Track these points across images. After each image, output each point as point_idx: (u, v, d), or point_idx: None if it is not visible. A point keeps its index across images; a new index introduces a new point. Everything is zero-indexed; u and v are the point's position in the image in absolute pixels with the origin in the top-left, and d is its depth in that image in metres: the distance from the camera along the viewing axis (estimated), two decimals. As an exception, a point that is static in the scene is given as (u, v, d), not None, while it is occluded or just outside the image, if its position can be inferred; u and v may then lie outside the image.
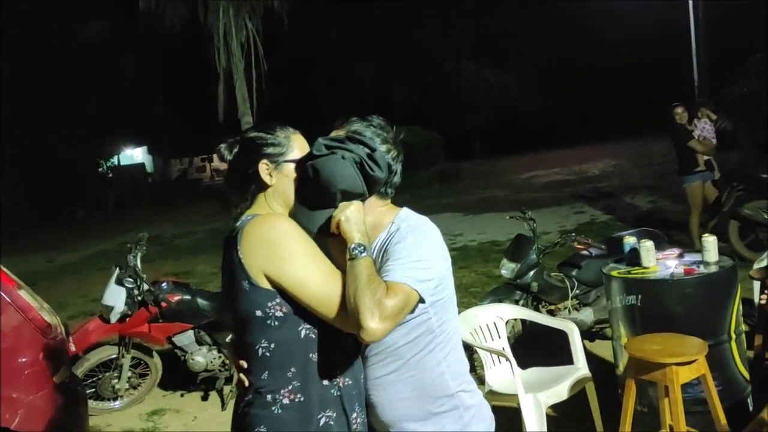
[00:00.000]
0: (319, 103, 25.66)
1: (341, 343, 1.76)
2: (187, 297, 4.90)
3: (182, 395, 5.18)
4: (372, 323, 1.56)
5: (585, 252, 5.03)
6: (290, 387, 1.74)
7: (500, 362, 3.80)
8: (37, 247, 15.51)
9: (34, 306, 3.27)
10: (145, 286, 4.82)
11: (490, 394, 3.65)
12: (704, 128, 8.09)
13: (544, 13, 28.30)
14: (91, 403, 4.91)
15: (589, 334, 5.03)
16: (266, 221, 1.75)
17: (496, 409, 3.61)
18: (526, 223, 5.08)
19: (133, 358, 5.06)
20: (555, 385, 3.54)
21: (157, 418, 4.83)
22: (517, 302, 4.73)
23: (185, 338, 4.92)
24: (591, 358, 4.72)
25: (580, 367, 3.68)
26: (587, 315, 4.98)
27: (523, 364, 4.01)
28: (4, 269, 3.28)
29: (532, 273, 4.81)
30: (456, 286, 6.20)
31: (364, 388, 1.83)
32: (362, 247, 1.66)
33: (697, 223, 7.35)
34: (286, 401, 1.74)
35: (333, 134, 1.87)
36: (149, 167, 35.98)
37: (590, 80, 28.26)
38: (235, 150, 1.86)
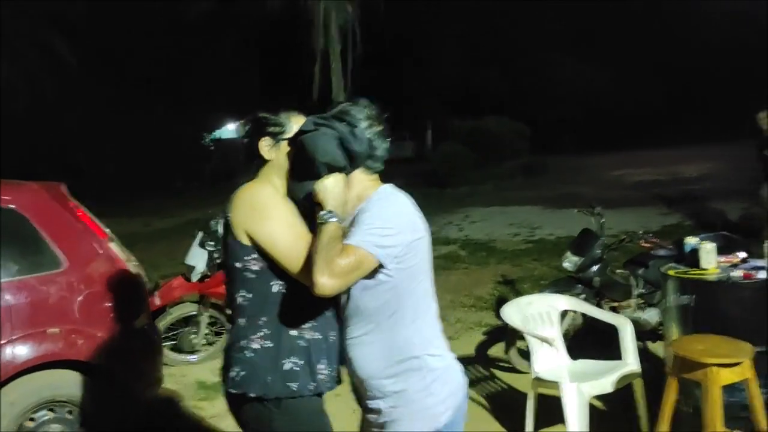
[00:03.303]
0: (409, 87, 25.78)
1: (311, 301, 1.95)
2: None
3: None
4: (322, 278, 1.79)
5: (652, 251, 4.97)
6: (260, 334, 1.99)
7: (550, 351, 3.87)
8: (137, 212, 16.53)
9: (122, 258, 3.64)
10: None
11: (537, 381, 3.75)
12: None
13: (647, 10, 27.13)
14: (171, 354, 5.35)
15: (652, 334, 4.99)
16: (252, 187, 2.04)
17: (543, 397, 3.75)
18: (593, 218, 5.08)
19: (210, 316, 5.47)
20: (601, 377, 3.59)
21: (228, 374, 5.19)
22: (577, 296, 4.75)
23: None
24: (651, 358, 4.72)
25: (630, 363, 3.71)
26: (652, 315, 4.94)
27: (577, 356, 4.07)
28: (99, 223, 3.66)
29: (595, 268, 4.82)
30: (527, 278, 6.31)
31: (343, 346, 2.04)
32: (331, 214, 1.87)
33: None
34: (256, 346, 2.00)
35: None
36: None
37: (692, 79, 26.94)
38: (247, 128, 2.13)
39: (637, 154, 21.37)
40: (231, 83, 24.26)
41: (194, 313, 5.45)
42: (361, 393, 2.08)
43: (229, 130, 39.09)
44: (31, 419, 3.33)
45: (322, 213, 1.88)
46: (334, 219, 1.87)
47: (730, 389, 3.02)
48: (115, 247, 3.63)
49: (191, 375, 5.26)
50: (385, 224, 1.91)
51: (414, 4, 23.32)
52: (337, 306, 2.05)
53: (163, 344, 4.88)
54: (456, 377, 2.06)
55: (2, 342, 3.18)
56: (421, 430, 1.96)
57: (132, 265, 3.69)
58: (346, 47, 17.59)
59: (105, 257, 3.53)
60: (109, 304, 3.46)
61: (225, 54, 23.90)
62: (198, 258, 5.23)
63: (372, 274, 1.91)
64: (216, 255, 5.25)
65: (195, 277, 5.23)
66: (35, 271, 3.34)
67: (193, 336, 5.44)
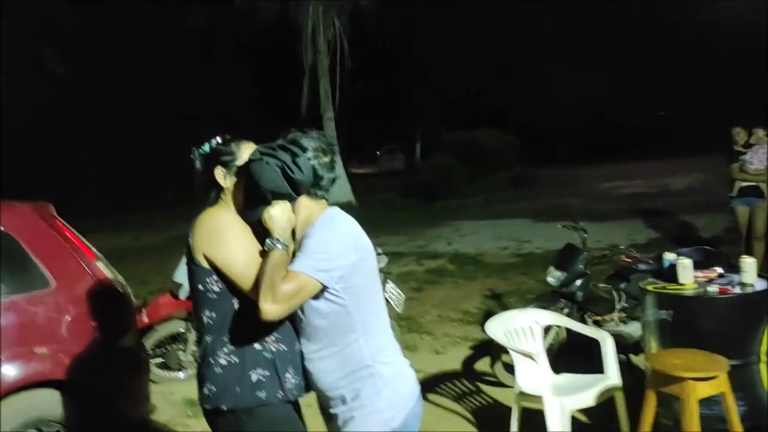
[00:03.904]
0: (400, 100, 25.90)
1: None
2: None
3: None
4: (265, 305, 1.91)
5: (634, 266, 5.05)
6: (226, 350, 2.11)
7: (533, 365, 3.93)
8: (127, 226, 16.53)
9: (110, 277, 3.68)
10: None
11: (520, 396, 3.81)
12: (756, 153, 7.51)
13: (644, 17, 27.36)
14: (159, 371, 5.37)
15: (634, 347, 5.06)
16: (212, 212, 2.17)
17: (526, 411, 3.80)
18: (577, 233, 5.15)
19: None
20: (582, 391, 3.66)
21: (216, 390, 5.21)
22: (561, 310, 4.82)
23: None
24: (634, 370, 4.78)
25: (611, 377, 3.77)
26: (634, 328, 5.00)
27: (562, 369, 4.14)
28: (86, 242, 3.71)
29: (578, 282, 4.90)
30: (513, 291, 6.37)
31: (304, 358, 2.15)
32: (276, 240, 2.00)
33: (747, 247, 7.33)
34: (223, 362, 2.11)
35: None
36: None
37: (685, 89, 27.21)
38: (201, 157, 2.28)
39: (628, 166, 21.58)
40: (222, 96, 24.34)
41: (182, 330, 5.47)
42: (322, 402, 2.20)
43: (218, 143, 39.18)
44: (20, 439, 3.35)
45: (267, 240, 2.02)
46: (280, 246, 2.00)
47: (707, 402, 3.09)
48: (102, 266, 3.67)
49: (179, 392, 5.27)
50: (326, 248, 2.02)
51: (406, 13, 23.48)
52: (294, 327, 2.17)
53: (151, 362, 4.91)
54: (407, 383, 2.19)
55: (-10, 362, 3.20)
56: (374, 430, 2.07)
57: (119, 284, 3.73)
58: (334, 61, 17.68)
59: (92, 277, 3.56)
60: (96, 324, 3.49)
61: (217, 67, 24.01)
62: (186, 275, 5.26)
63: (318, 296, 2.02)
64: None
65: (183, 295, 5.27)
66: (23, 290, 3.38)
67: (180, 353, 5.47)
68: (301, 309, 2.06)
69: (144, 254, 12.55)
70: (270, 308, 1.91)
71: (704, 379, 2.96)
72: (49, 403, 3.40)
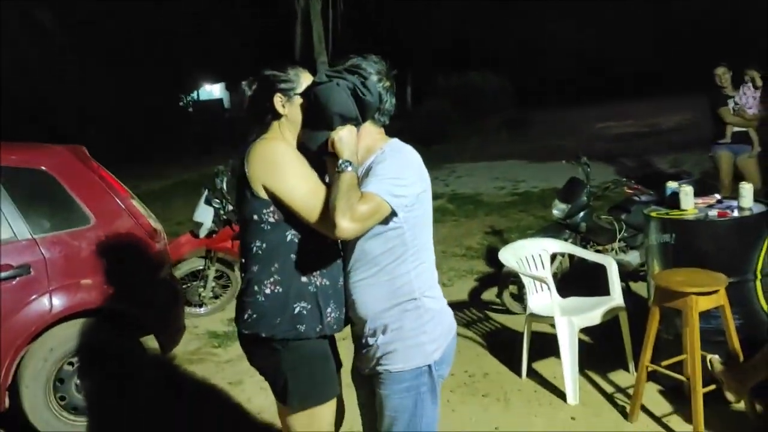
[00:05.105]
0: (393, 43, 25.63)
1: (321, 250, 2.16)
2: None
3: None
4: (344, 222, 1.92)
5: (635, 197, 5.29)
6: (272, 279, 2.14)
7: (542, 290, 4.20)
8: (123, 176, 16.54)
9: (144, 213, 3.88)
10: (230, 207, 5.43)
11: (531, 317, 4.08)
12: (745, 95, 6.82)
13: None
14: (181, 306, 5.62)
15: (634, 275, 5.35)
16: (268, 144, 2.14)
17: (536, 333, 4.08)
18: (580, 168, 5.37)
19: (217, 270, 5.73)
20: (589, 311, 3.93)
21: (237, 324, 5.48)
22: (566, 240, 5.07)
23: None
24: (634, 297, 5.09)
25: (615, 298, 4.05)
26: (634, 257, 5.28)
27: (566, 294, 4.41)
28: (119, 181, 3.89)
29: (581, 214, 5.14)
30: (513, 228, 6.64)
31: (347, 289, 2.20)
32: (348, 163, 2.00)
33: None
34: (267, 291, 2.15)
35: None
36: (227, 103, 37.07)
37: (674, 27, 27.07)
38: (254, 87, 2.23)
39: (618, 107, 21.69)
40: (214, 42, 24.02)
41: (201, 267, 5.70)
42: (359, 332, 2.23)
43: (206, 91, 38.75)
44: (70, 363, 3.59)
45: (340, 162, 2.00)
46: (351, 168, 2.00)
47: (706, 317, 3.36)
48: (136, 204, 3.86)
49: (202, 326, 5.54)
50: (398, 174, 2.04)
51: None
52: (342, 254, 2.21)
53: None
54: (448, 320, 2.26)
55: (41, 293, 3.42)
56: (414, 363, 2.14)
57: (152, 221, 3.93)
58: (327, 5, 17.50)
59: (128, 213, 3.75)
60: (135, 257, 3.70)
61: (208, 13, 23.61)
62: (205, 215, 5.47)
63: (384, 222, 2.05)
64: (222, 212, 5.50)
65: (203, 234, 5.48)
66: (66, 227, 3.56)
67: (201, 289, 5.71)
68: (360, 236, 2.07)
69: (144, 202, 12.69)
70: (348, 226, 1.93)
71: (705, 294, 3.22)
72: (95, 330, 3.64)
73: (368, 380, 2.26)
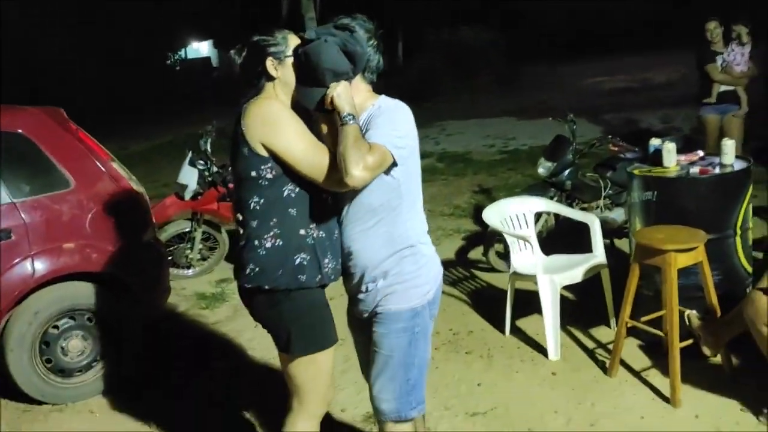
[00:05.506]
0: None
1: (317, 204, 2.25)
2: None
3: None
4: (356, 171, 2.02)
5: (620, 154, 5.28)
6: (271, 233, 2.23)
7: (525, 248, 4.22)
8: (109, 137, 16.40)
9: (125, 176, 3.85)
10: (215, 168, 5.40)
11: (514, 275, 4.12)
12: (733, 51, 6.48)
13: None
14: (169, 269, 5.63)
15: (618, 232, 5.38)
16: (264, 102, 2.22)
17: (521, 291, 4.12)
18: (566, 125, 5.35)
19: (203, 232, 5.73)
20: (571, 269, 3.96)
21: (225, 285, 5.50)
22: (551, 199, 5.08)
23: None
24: (618, 253, 5.13)
25: (598, 256, 4.08)
26: (618, 214, 5.30)
27: (552, 252, 4.44)
28: (99, 144, 3.85)
29: (567, 172, 5.14)
30: (501, 186, 6.63)
31: (345, 240, 2.30)
32: (351, 116, 2.08)
33: None
34: (268, 245, 2.24)
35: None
36: (215, 62, 36.53)
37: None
38: (244, 54, 2.30)
39: (609, 62, 21.48)
40: (193, 2, 23.58)
41: (187, 229, 5.70)
42: (356, 282, 2.33)
43: (194, 49, 38.14)
44: (55, 326, 3.61)
45: (343, 116, 2.08)
46: (353, 121, 2.08)
47: (686, 273, 3.39)
48: (117, 167, 3.84)
49: (190, 288, 5.57)
50: (398, 127, 2.17)
51: None
52: (337, 208, 2.31)
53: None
54: (437, 262, 2.41)
55: (22, 257, 3.42)
56: (412, 304, 2.28)
57: (134, 183, 3.91)
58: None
59: (109, 176, 3.73)
60: (118, 220, 3.69)
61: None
62: (189, 176, 5.44)
63: (385, 173, 2.15)
64: (207, 173, 5.47)
65: (188, 195, 5.47)
66: (46, 191, 3.54)
67: (188, 251, 5.72)
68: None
69: (130, 162, 12.57)
70: (360, 174, 2.02)
71: (683, 251, 3.25)
72: (80, 294, 3.65)
73: (365, 324, 2.38)
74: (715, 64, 6.49)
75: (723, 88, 6.52)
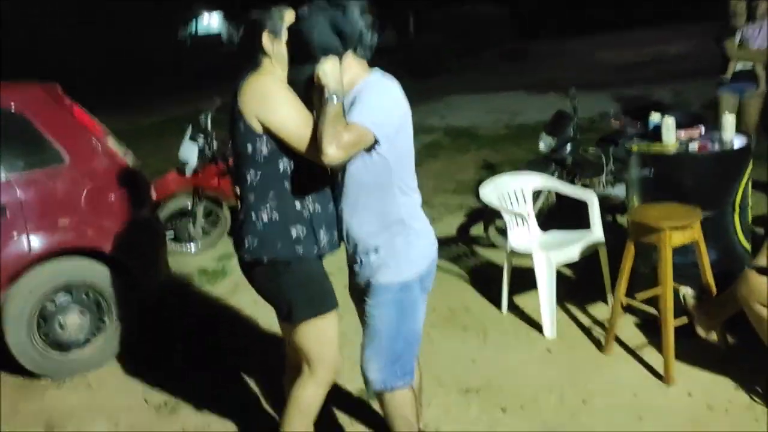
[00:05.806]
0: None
1: (312, 178, 2.31)
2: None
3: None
4: (330, 148, 2.05)
5: (622, 129, 5.22)
6: (268, 207, 2.30)
7: (523, 225, 4.20)
8: (118, 111, 16.42)
9: (120, 153, 3.85)
10: (215, 144, 5.39)
11: (511, 254, 4.10)
12: (752, 26, 6.03)
13: None
14: (171, 244, 5.65)
15: (621, 208, 5.33)
16: (260, 78, 2.27)
17: (519, 268, 4.11)
18: (568, 100, 5.28)
19: (205, 207, 5.74)
20: (567, 246, 3.93)
21: (227, 261, 5.51)
22: (552, 174, 5.03)
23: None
24: (619, 230, 5.08)
25: (595, 233, 4.05)
26: (621, 190, 5.24)
27: (552, 228, 4.40)
28: (95, 120, 3.84)
29: (568, 148, 5.09)
30: (505, 161, 6.57)
31: (340, 213, 2.36)
32: (334, 95, 2.10)
33: None
34: (266, 218, 2.31)
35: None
36: (225, 36, 36.26)
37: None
38: (241, 31, 2.36)
39: (618, 35, 21.16)
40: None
41: (189, 205, 5.71)
42: (353, 252, 2.40)
43: (203, 24, 37.88)
44: (53, 301, 3.65)
45: (327, 94, 2.10)
46: (336, 99, 2.10)
47: (682, 251, 3.36)
48: (113, 143, 3.83)
49: (192, 263, 5.59)
50: (381, 104, 2.18)
51: None
52: (333, 182, 2.37)
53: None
54: (431, 236, 2.44)
55: (18, 234, 3.43)
56: (403, 277, 2.33)
57: (130, 160, 3.91)
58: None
59: (104, 152, 3.73)
60: (114, 197, 3.70)
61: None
62: (190, 152, 5.44)
63: (368, 151, 2.18)
64: (207, 149, 5.46)
65: (189, 171, 5.46)
66: (40, 167, 3.55)
67: (190, 227, 5.73)
68: (348, 165, 2.23)
69: (138, 137, 12.60)
70: (334, 152, 2.05)
71: (679, 228, 3.22)
72: (76, 270, 3.68)
73: (364, 294, 2.42)
74: (732, 39, 6.12)
75: (740, 66, 6.15)
